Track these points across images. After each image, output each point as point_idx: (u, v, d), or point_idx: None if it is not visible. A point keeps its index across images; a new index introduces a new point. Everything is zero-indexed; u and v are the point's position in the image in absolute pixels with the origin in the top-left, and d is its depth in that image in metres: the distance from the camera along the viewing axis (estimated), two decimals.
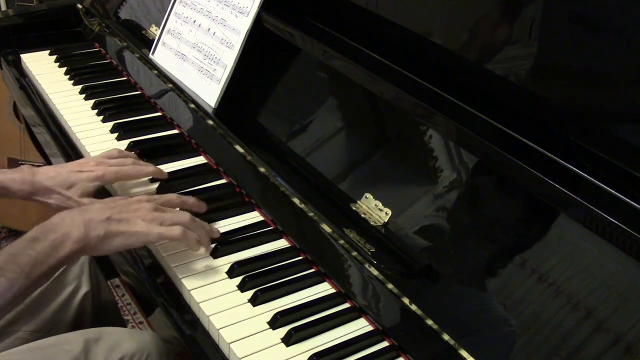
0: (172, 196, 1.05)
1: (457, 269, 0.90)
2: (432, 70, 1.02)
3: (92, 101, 1.42)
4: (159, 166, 1.20)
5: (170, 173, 1.20)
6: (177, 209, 1.03)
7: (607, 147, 0.83)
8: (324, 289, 0.99)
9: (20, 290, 0.84)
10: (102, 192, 1.15)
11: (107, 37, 1.65)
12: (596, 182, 0.79)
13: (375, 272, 0.94)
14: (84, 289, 1.23)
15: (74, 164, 1.13)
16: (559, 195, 0.80)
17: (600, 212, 0.76)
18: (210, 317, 0.92)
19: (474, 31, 0.98)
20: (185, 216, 0.98)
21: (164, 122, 1.38)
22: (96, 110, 1.39)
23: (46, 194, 1.08)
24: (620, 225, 0.74)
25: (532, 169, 0.82)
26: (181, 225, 0.97)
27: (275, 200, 1.11)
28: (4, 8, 2.32)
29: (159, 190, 1.16)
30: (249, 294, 0.96)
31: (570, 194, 0.78)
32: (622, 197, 0.77)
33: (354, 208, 1.02)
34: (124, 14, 1.65)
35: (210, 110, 1.26)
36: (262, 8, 1.23)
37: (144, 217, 0.95)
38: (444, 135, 0.96)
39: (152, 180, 1.19)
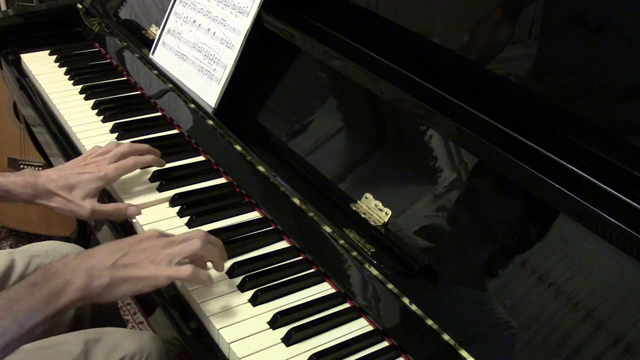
0: (197, 237, 0.94)
1: (457, 269, 0.90)
2: (432, 70, 1.02)
3: (92, 101, 1.42)
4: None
5: (169, 171, 1.20)
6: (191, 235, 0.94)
7: (607, 147, 0.83)
8: (324, 289, 0.99)
9: (12, 339, 0.78)
10: (103, 192, 1.15)
11: (107, 37, 1.65)
12: (596, 182, 0.79)
13: (375, 272, 0.94)
14: None
15: (75, 166, 1.13)
16: (558, 195, 0.80)
17: (600, 212, 0.75)
18: (210, 317, 0.92)
19: (473, 31, 0.98)
20: (196, 244, 0.91)
21: (164, 122, 1.38)
22: (96, 110, 1.40)
23: (48, 197, 1.08)
24: (620, 225, 0.74)
25: (532, 169, 0.82)
26: (192, 258, 0.92)
27: (275, 200, 1.11)
28: (4, 8, 2.32)
29: (159, 188, 1.16)
30: (249, 294, 0.96)
31: (570, 194, 0.78)
32: (622, 197, 0.77)
33: (354, 208, 1.02)
34: (124, 14, 1.65)
35: (210, 110, 1.26)
36: (262, 8, 1.23)
37: (153, 259, 0.89)
38: (444, 135, 0.96)
39: (153, 180, 1.19)
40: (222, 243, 0.97)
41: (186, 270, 0.89)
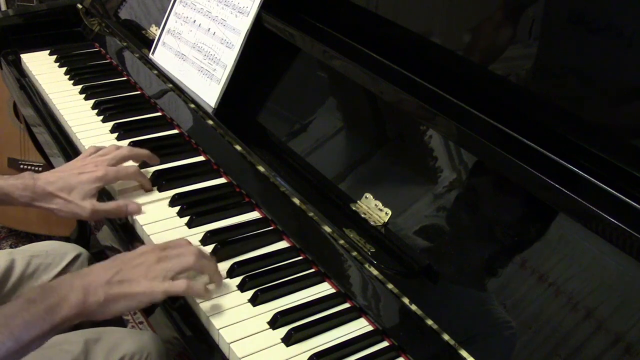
0: (187, 250, 0.95)
1: (457, 269, 0.90)
2: (432, 70, 1.02)
3: (92, 101, 1.42)
4: (159, 166, 1.20)
5: (169, 171, 1.20)
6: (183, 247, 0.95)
7: (607, 147, 0.83)
8: (324, 289, 0.99)
9: (8, 353, 0.79)
10: (102, 192, 1.15)
11: (107, 37, 1.65)
12: (596, 182, 0.79)
13: (375, 272, 0.94)
14: None
15: (74, 167, 1.12)
16: (558, 195, 0.80)
17: (600, 212, 0.75)
18: (210, 317, 0.92)
19: (473, 31, 0.98)
20: (190, 260, 0.92)
21: (164, 122, 1.38)
22: (96, 110, 1.40)
23: (48, 199, 1.07)
24: (620, 225, 0.74)
25: (532, 169, 0.82)
26: (187, 272, 0.93)
27: (275, 200, 1.11)
28: (4, 8, 2.32)
29: (159, 188, 1.16)
30: (249, 294, 0.96)
31: (571, 194, 0.78)
32: (622, 197, 0.77)
33: (354, 208, 1.02)
34: (124, 14, 1.65)
35: (210, 110, 1.26)
36: (262, 8, 1.23)
37: (147, 274, 0.89)
38: (444, 135, 0.96)
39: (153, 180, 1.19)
40: (215, 261, 0.97)
41: (181, 284, 0.90)
